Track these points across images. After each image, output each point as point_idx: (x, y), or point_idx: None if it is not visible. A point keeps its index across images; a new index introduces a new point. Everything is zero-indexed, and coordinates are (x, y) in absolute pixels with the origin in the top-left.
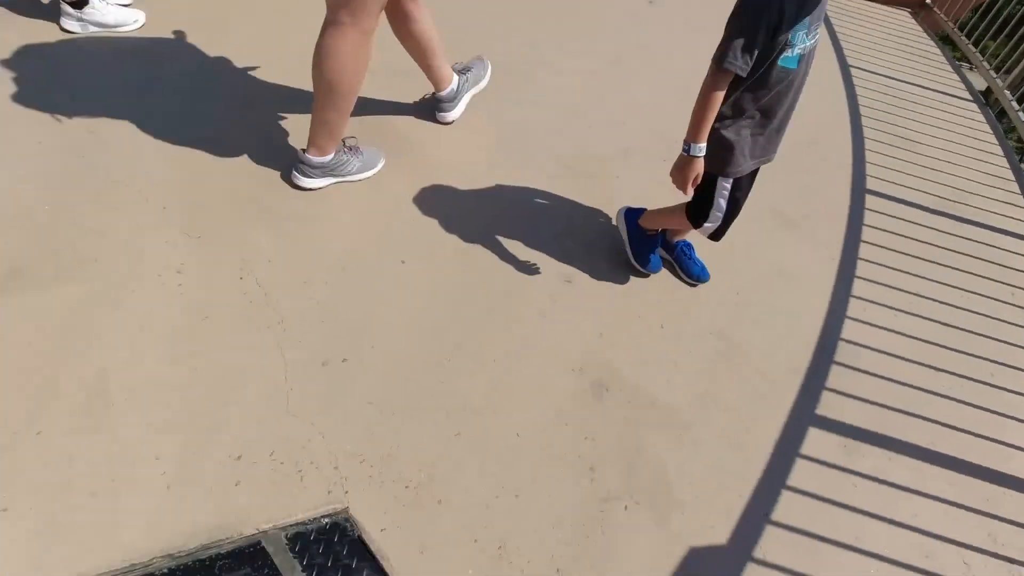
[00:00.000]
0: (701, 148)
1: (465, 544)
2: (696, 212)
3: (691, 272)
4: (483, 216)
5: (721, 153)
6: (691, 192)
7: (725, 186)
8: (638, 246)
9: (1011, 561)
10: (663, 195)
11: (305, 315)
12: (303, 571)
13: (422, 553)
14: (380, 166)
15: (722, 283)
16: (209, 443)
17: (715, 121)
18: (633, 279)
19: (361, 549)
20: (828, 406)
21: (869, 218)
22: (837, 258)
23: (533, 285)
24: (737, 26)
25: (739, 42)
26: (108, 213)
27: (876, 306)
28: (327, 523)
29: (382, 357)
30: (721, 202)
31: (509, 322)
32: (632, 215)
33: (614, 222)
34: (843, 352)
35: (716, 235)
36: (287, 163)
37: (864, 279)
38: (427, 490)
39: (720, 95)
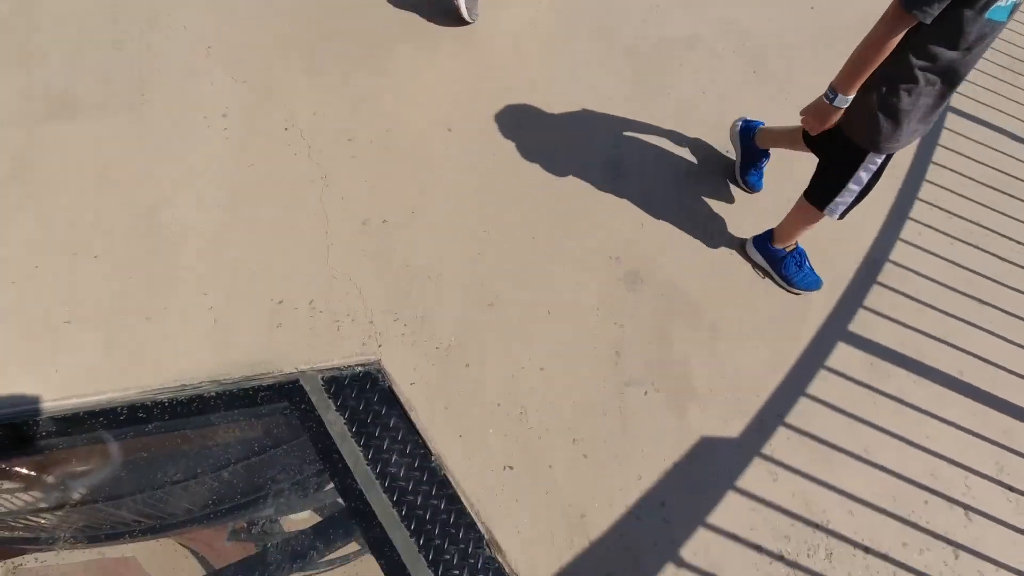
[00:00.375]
0: (847, 100)
1: (488, 406)
2: (827, 191)
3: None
4: (539, 96)
5: (883, 125)
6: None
7: (876, 161)
8: (785, 268)
9: (1011, 489)
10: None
11: (348, 173)
12: (336, 411)
13: (447, 408)
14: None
15: (777, 192)
16: (253, 286)
17: (883, 82)
18: (687, 179)
19: (391, 398)
20: (862, 323)
21: (945, 138)
22: (902, 177)
23: (582, 169)
24: None
25: None
26: (156, 51)
27: (932, 231)
28: (360, 371)
29: (421, 222)
30: (864, 176)
31: (554, 203)
32: (763, 242)
33: (751, 256)
34: (888, 273)
35: (844, 214)
36: (342, 7)
37: (926, 202)
38: (457, 353)
39: (892, 44)
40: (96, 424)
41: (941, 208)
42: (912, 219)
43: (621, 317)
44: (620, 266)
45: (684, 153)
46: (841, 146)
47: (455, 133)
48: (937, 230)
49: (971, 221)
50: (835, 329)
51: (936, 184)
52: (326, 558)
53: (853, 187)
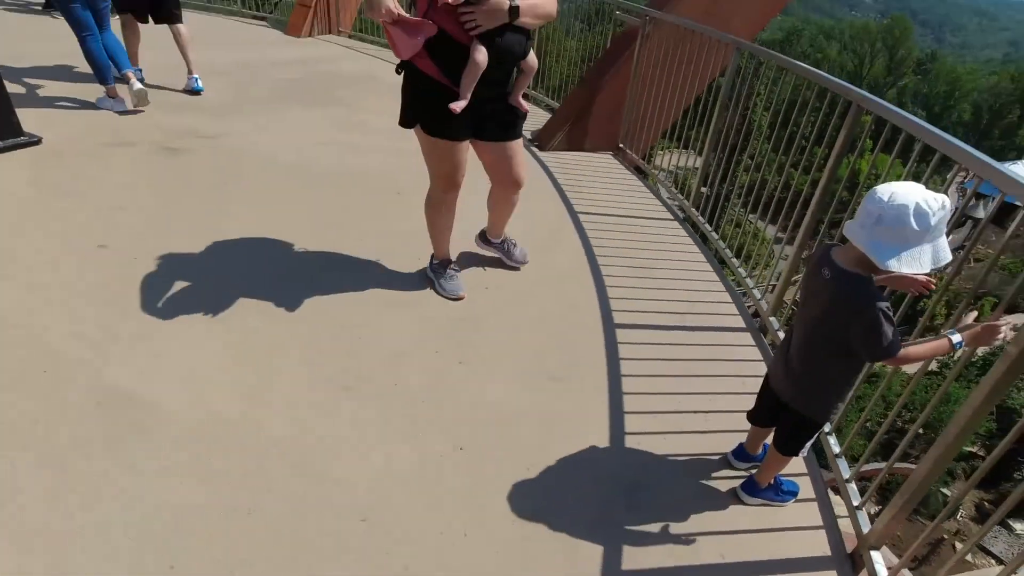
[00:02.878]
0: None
1: None
2: (796, 445)
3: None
4: None
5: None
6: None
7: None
8: (775, 494)
9: None
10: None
11: None
12: None
13: None
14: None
15: (519, 459)
16: None
17: (839, 394)
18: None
19: None
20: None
21: (624, 351)
22: (606, 401)
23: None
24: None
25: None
26: None
27: (649, 436)
28: None
29: None
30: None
31: None
32: (752, 488)
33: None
34: (634, 489)
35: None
36: None
37: (633, 412)
38: None
39: None
40: None
41: (648, 412)
42: (630, 432)
43: None
44: None
45: None
46: (798, 422)
47: None
48: (651, 432)
49: (676, 411)
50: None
51: (635, 393)
52: None
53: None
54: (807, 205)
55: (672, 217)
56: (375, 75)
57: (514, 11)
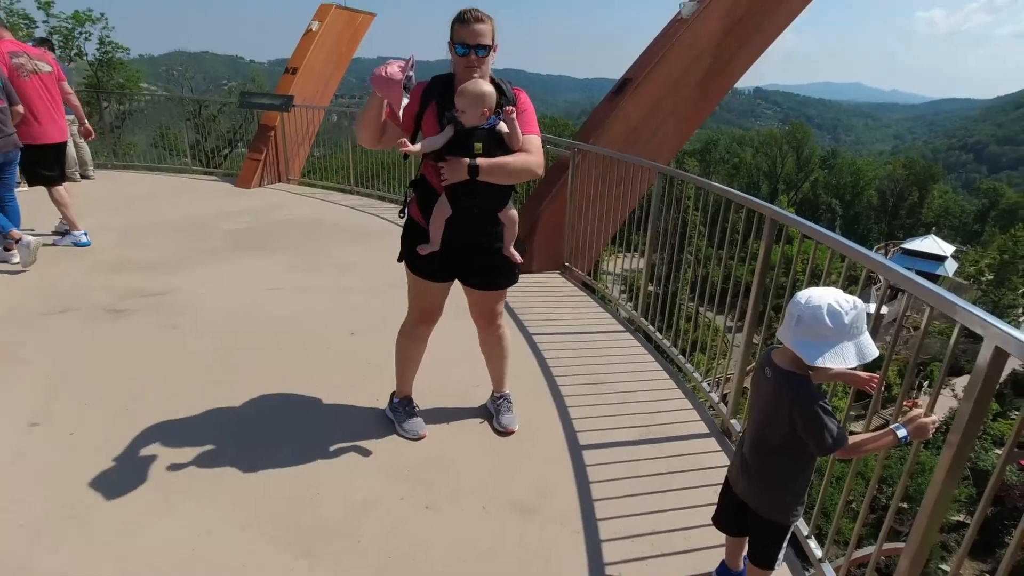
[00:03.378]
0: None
1: None
2: (770, 557)
3: None
4: None
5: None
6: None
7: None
8: None
9: None
10: None
11: None
12: None
13: None
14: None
15: None
16: None
17: (795, 492)
18: None
19: None
20: None
21: (593, 473)
22: (580, 530)
23: None
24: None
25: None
26: None
27: (629, 564)
28: None
29: None
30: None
31: None
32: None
33: None
34: None
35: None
36: None
37: (609, 540)
38: None
39: None
40: None
41: (625, 536)
42: (608, 563)
43: None
44: None
45: None
46: (763, 528)
47: None
48: (630, 560)
49: (654, 532)
50: None
51: (608, 518)
52: None
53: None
54: (748, 294)
55: (623, 329)
56: (322, 218)
57: (473, 169)
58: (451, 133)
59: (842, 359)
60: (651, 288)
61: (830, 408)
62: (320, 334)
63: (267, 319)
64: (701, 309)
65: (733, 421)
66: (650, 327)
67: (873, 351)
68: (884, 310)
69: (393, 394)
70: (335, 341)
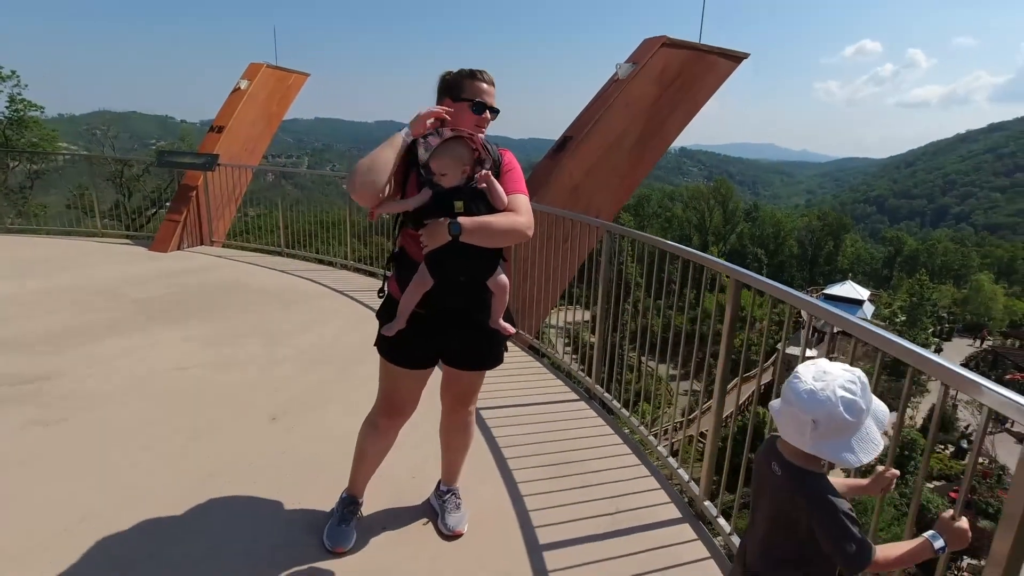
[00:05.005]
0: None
1: None
2: None
3: None
4: None
5: None
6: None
7: None
8: None
9: None
10: None
11: None
12: None
13: None
14: None
15: None
16: None
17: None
18: None
19: None
20: None
21: None
22: None
23: None
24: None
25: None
26: None
27: None
28: None
29: None
30: None
31: None
32: None
33: None
34: None
35: None
36: None
37: None
38: None
39: None
40: None
41: None
42: None
43: None
44: None
45: None
46: None
47: None
48: None
49: None
50: None
51: None
52: None
53: None
54: (691, 341)
55: (577, 397)
56: (242, 281)
57: (455, 226)
58: (427, 195)
59: (871, 443)
60: (591, 339)
61: (853, 514)
62: (235, 425)
63: (170, 408)
64: (652, 363)
65: (708, 504)
66: (606, 395)
67: (885, 411)
68: (810, 352)
69: (344, 491)
70: (253, 430)
